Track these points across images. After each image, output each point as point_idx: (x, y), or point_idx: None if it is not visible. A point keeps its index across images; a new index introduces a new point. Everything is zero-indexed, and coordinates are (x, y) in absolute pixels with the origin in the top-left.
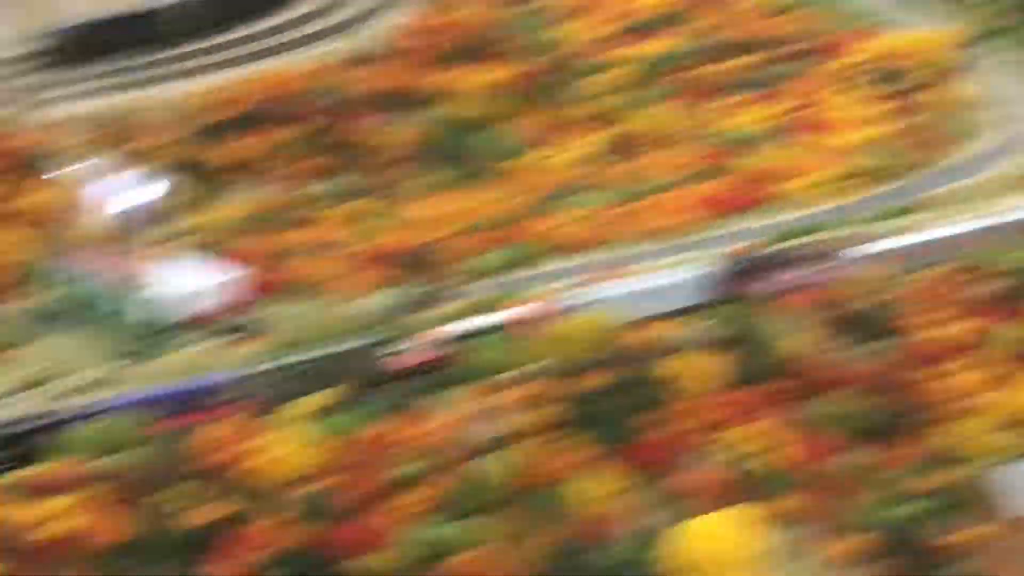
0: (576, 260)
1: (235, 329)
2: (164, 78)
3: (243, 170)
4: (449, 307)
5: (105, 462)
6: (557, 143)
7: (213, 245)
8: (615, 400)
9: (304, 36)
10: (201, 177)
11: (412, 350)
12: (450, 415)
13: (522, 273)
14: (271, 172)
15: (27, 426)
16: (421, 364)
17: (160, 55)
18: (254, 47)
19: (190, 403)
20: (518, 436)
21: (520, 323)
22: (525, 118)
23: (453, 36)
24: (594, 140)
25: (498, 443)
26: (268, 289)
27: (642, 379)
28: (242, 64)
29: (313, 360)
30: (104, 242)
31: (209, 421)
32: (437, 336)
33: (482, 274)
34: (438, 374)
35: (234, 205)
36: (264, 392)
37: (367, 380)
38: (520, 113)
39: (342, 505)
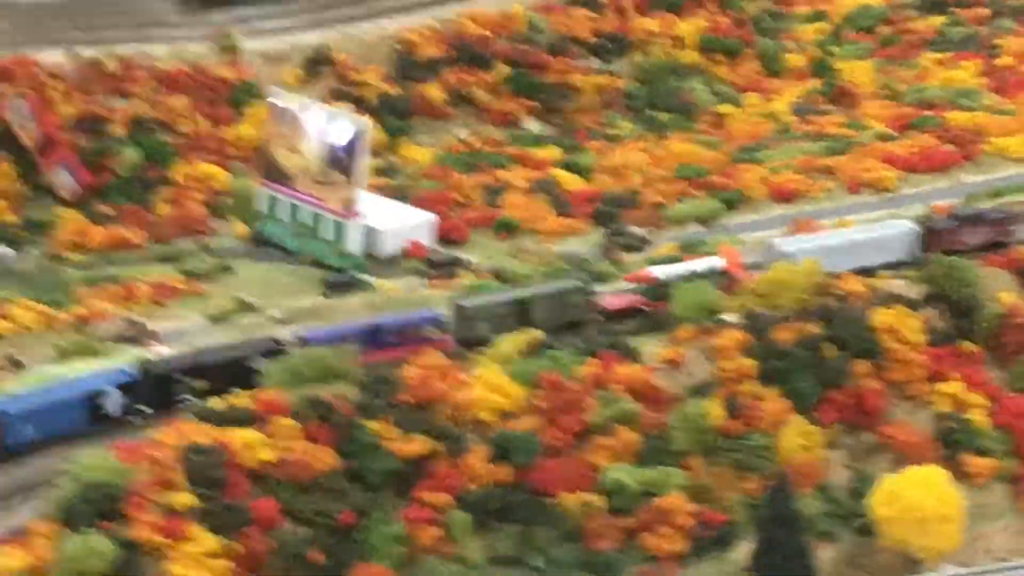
0: (782, 210)
1: (440, 265)
2: (371, 14)
3: (449, 108)
4: (653, 252)
5: (313, 391)
6: (765, 92)
7: (415, 182)
8: (824, 350)
9: None
10: (404, 115)
11: (618, 292)
12: (656, 358)
13: (728, 220)
14: (476, 111)
15: (236, 353)
16: (627, 307)
17: None
18: None
19: (397, 337)
20: (725, 381)
21: (728, 269)
22: (733, 67)
23: None
24: (801, 91)
25: (704, 388)
26: (471, 227)
27: (851, 330)
28: (452, 2)
29: (519, 299)
30: (310, 175)
31: (415, 356)
32: (643, 279)
33: (687, 220)
34: (644, 317)
35: (438, 143)
36: (470, 329)
37: (573, 320)
38: (729, 62)
39: (545, 443)
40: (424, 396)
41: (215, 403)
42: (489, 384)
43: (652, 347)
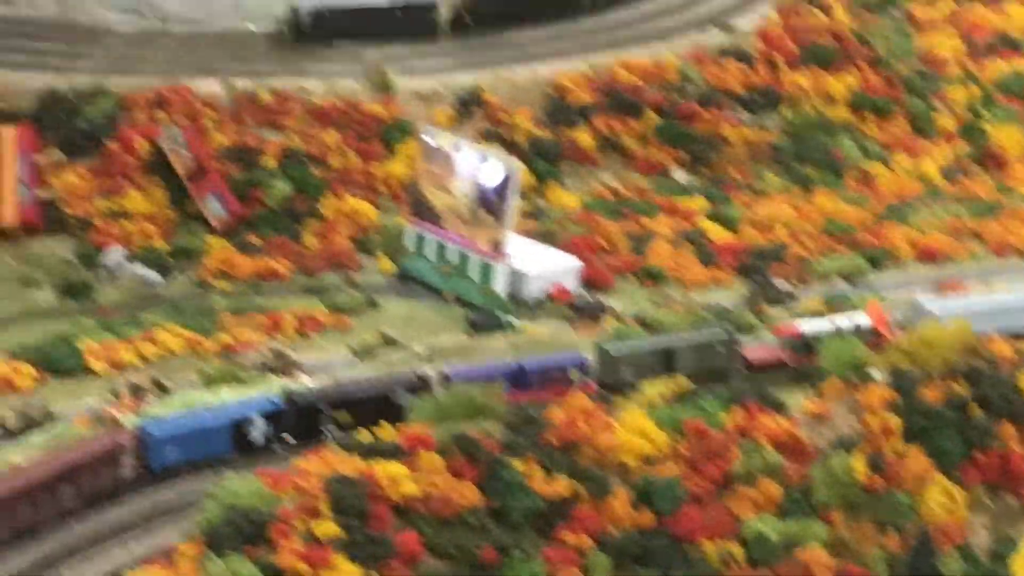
0: (927, 270)
1: (584, 310)
2: (524, 58)
3: (597, 155)
4: (798, 305)
5: (459, 428)
6: (913, 152)
7: (562, 227)
8: (970, 410)
9: (668, 27)
10: (553, 159)
11: (762, 344)
12: (801, 411)
13: (872, 278)
14: (625, 159)
15: (381, 387)
16: (771, 359)
17: (524, 32)
18: (620, 33)
19: (542, 379)
20: (870, 437)
21: (873, 326)
22: (882, 125)
23: (814, 38)
24: (950, 152)
25: (848, 443)
26: (616, 274)
27: (998, 391)
28: (606, 49)
29: (664, 346)
30: (458, 215)
31: (559, 398)
32: (789, 333)
33: (832, 276)
34: (788, 370)
35: (585, 189)
36: (614, 374)
37: (717, 370)
38: (877, 120)
39: (688, 491)
40: (569, 438)
41: (361, 435)
42: (634, 429)
43: (798, 399)
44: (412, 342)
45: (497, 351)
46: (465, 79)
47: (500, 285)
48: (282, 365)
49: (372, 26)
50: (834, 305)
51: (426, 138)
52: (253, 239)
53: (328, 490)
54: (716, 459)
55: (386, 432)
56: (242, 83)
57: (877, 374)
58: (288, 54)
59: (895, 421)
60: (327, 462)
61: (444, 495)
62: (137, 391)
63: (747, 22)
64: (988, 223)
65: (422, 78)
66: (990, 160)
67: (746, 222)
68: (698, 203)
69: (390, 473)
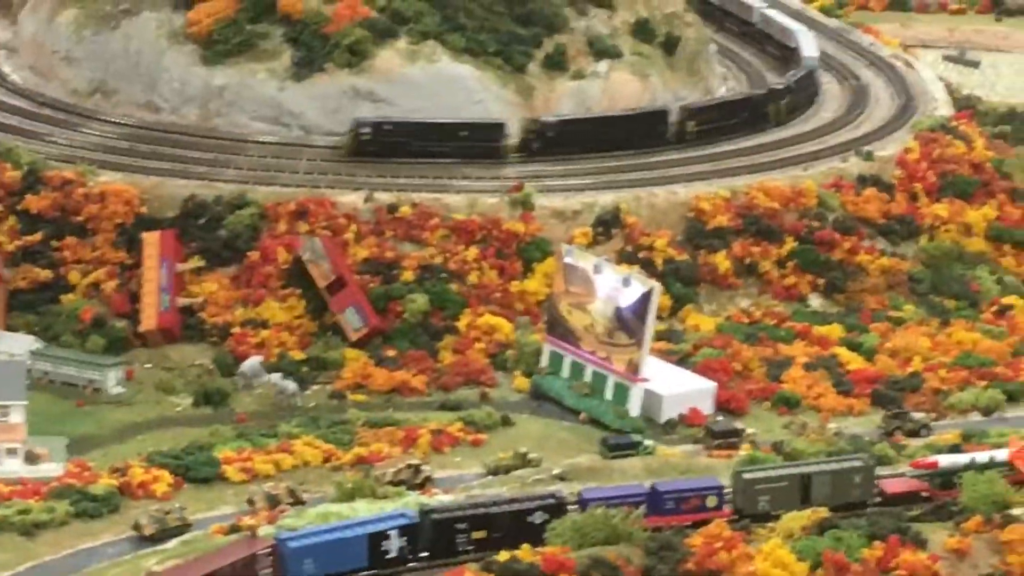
0: None
1: (719, 435)
2: (664, 180)
3: (734, 279)
4: (934, 438)
5: (596, 552)
6: None
7: (697, 350)
8: None
9: (808, 153)
10: (690, 281)
11: (898, 476)
12: (942, 547)
13: (1010, 412)
14: (761, 283)
15: (518, 506)
16: (908, 491)
17: (663, 154)
18: (759, 158)
19: (677, 503)
20: None
21: (1013, 461)
22: (1019, 257)
23: (953, 168)
24: None
25: None
26: (750, 399)
27: None
28: (744, 173)
29: (801, 473)
30: (595, 335)
31: (697, 524)
32: (927, 466)
33: (968, 409)
34: (929, 504)
35: (721, 312)
36: (750, 501)
37: (853, 501)
38: (1015, 253)
39: None
40: (709, 567)
41: (500, 556)
42: (773, 560)
43: (939, 535)
44: (546, 461)
45: (632, 473)
46: (604, 199)
47: (635, 406)
48: (417, 480)
49: (435, 143)
50: (970, 439)
51: (567, 258)
52: (389, 352)
53: None
54: None
55: (525, 553)
56: (383, 196)
57: (1021, 512)
58: (429, 169)
59: None
60: None
61: None
62: (273, 501)
63: (887, 150)
64: None
65: (561, 196)
66: None
67: (882, 351)
68: (834, 330)
69: None
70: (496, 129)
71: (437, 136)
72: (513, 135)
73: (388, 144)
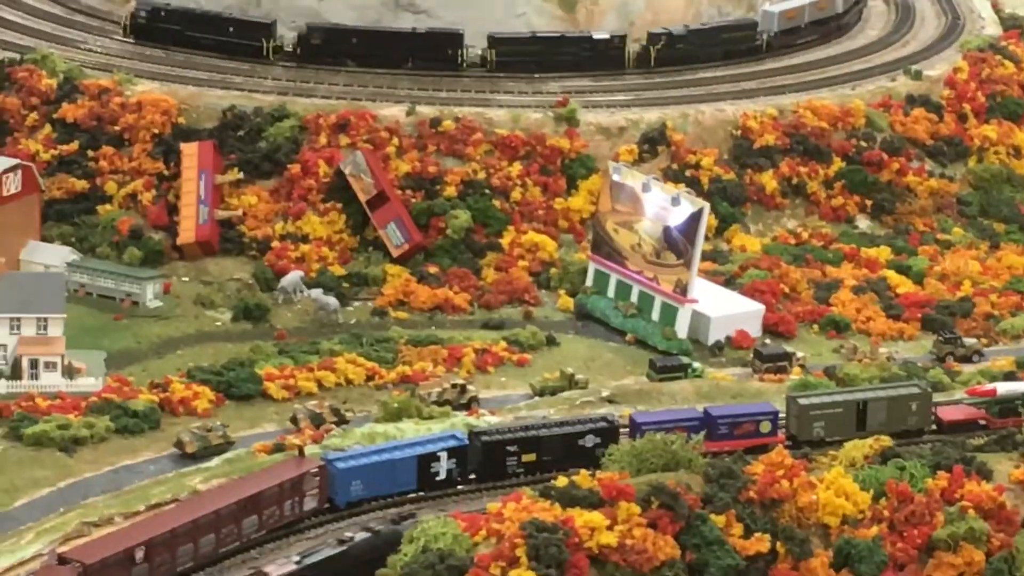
0: None
1: (768, 358)
2: (710, 97)
3: (781, 199)
4: (987, 364)
5: (656, 479)
6: None
7: (744, 271)
8: None
9: (856, 71)
10: (736, 201)
11: (954, 403)
12: (1008, 478)
13: None
14: (808, 204)
15: (569, 429)
16: (966, 419)
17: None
18: (807, 76)
19: (731, 428)
20: None
21: None
22: None
23: (1002, 89)
24: None
25: None
26: (798, 321)
27: None
28: (794, 91)
29: (857, 400)
30: (643, 254)
31: (750, 450)
32: (985, 393)
33: (1021, 334)
34: (990, 432)
35: (768, 233)
36: (805, 428)
37: (910, 428)
38: None
39: (889, 555)
40: (770, 495)
41: (559, 481)
42: (836, 488)
43: (1003, 466)
44: (593, 383)
45: (681, 396)
46: (650, 116)
47: (682, 328)
48: (463, 400)
49: (205, 35)
50: None
51: (614, 176)
52: (432, 269)
53: (526, 537)
54: (919, 524)
55: (583, 479)
56: (426, 110)
57: None
58: (474, 83)
59: None
60: (524, 507)
61: (642, 548)
62: (317, 420)
63: (935, 70)
64: None
65: (607, 113)
66: None
67: (931, 275)
68: (882, 253)
69: (589, 522)
70: (265, 29)
71: (208, 28)
72: (288, 36)
73: (161, 30)
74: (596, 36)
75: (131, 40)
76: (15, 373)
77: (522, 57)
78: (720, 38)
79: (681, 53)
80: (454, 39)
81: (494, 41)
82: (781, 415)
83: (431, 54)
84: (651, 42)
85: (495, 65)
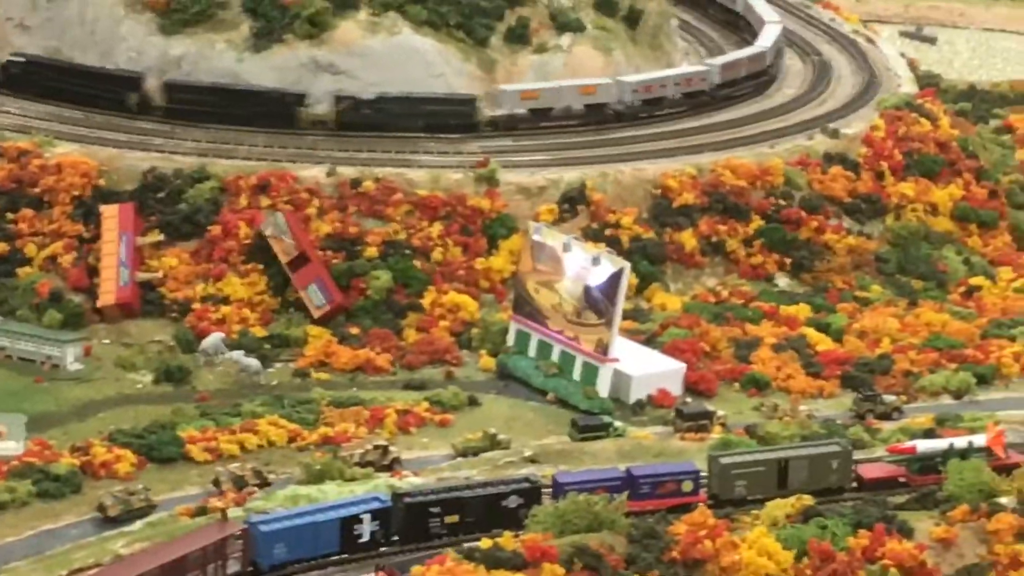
0: None
1: (690, 417)
2: (630, 156)
3: (701, 257)
4: (906, 421)
5: (578, 540)
6: (1017, 266)
7: (664, 330)
8: None
9: (773, 130)
10: (656, 260)
11: (874, 461)
12: (928, 536)
13: (982, 396)
14: (727, 262)
15: (493, 491)
16: (886, 477)
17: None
18: (725, 135)
19: (653, 487)
20: (997, 566)
21: (990, 447)
22: (986, 239)
23: (919, 147)
24: None
25: (976, 571)
26: (719, 380)
27: None
28: (712, 150)
29: (779, 458)
30: (564, 314)
31: (676, 509)
32: (904, 451)
33: (939, 392)
34: (910, 491)
35: (687, 291)
36: (727, 486)
37: (831, 486)
38: (982, 233)
39: None
40: (693, 555)
41: (483, 543)
42: (759, 548)
43: (923, 524)
44: (515, 442)
45: (603, 455)
46: (570, 176)
47: (604, 387)
48: (385, 461)
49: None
50: (944, 423)
51: (535, 236)
52: (353, 330)
53: None
54: None
55: (507, 541)
56: (346, 170)
57: (1007, 501)
58: (392, 143)
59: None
60: (448, 570)
61: None
62: (239, 483)
63: (852, 128)
64: None
65: (526, 172)
66: None
67: (850, 332)
68: (802, 310)
69: None
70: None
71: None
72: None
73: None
74: (264, 90)
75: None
76: None
77: (198, 107)
78: (423, 109)
79: (368, 119)
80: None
81: (170, 88)
82: (703, 474)
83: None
84: (336, 104)
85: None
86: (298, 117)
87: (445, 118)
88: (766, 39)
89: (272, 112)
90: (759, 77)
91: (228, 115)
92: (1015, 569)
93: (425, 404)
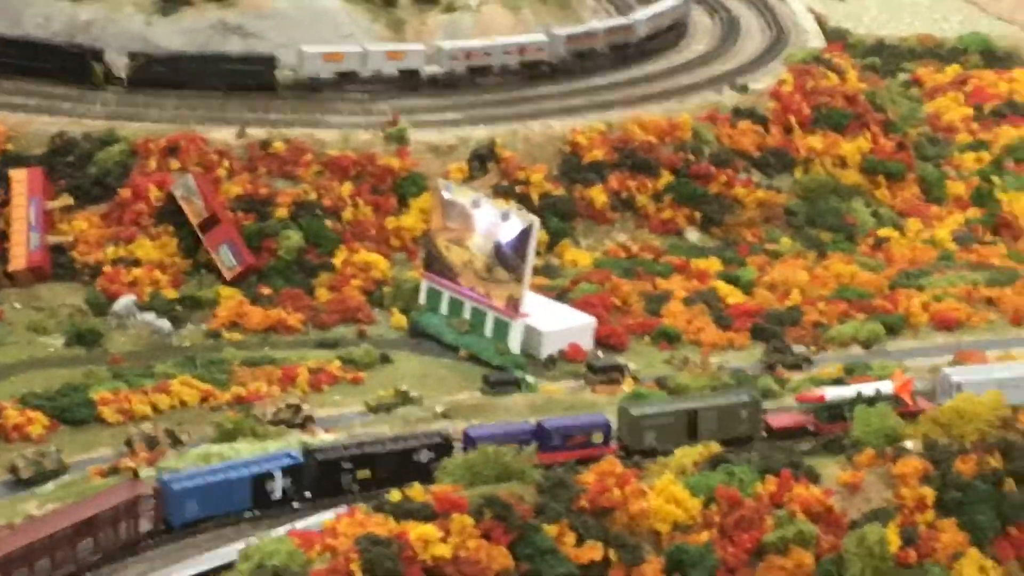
0: (943, 338)
1: (600, 371)
2: (539, 114)
3: (610, 213)
4: (816, 371)
5: (488, 491)
6: (926, 218)
7: (574, 285)
8: (1005, 484)
9: (683, 86)
10: (566, 216)
11: (783, 410)
12: (834, 481)
13: (889, 345)
14: (637, 217)
15: (404, 445)
16: (794, 425)
17: (541, 89)
18: (635, 91)
19: (564, 440)
20: (903, 509)
21: (898, 394)
22: (894, 190)
23: (827, 101)
24: (962, 219)
25: (882, 514)
26: (630, 334)
27: None
28: (622, 106)
29: (688, 409)
30: (474, 271)
31: (587, 461)
32: (813, 399)
33: (848, 341)
34: (815, 438)
35: (598, 247)
36: (637, 437)
37: (740, 436)
38: (889, 184)
39: (720, 559)
40: (602, 504)
41: (391, 496)
42: (666, 495)
43: (831, 469)
44: (427, 399)
45: (515, 410)
46: (479, 133)
47: (515, 342)
48: (298, 419)
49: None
50: (852, 372)
51: (444, 193)
52: (265, 290)
53: (360, 551)
54: (749, 528)
55: (416, 493)
56: (256, 132)
57: (911, 445)
58: (303, 104)
59: (929, 493)
60: (358, 522)
61: (476, 558)
62: (152, 443)
63: (761, 83)
64: (1003, 291)
65: (436, 131)
66: (1002, 227)
67: (760, 285)
68: (712, 264)
69: (422, 535)
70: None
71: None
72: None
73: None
74: (60, 44)
75: None
76: None
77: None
78: (220, 68)
79: (161, 77)
80: None
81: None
82: (613, 426)
83: None
84: (131, 59)
85: None
86: (94, 72)
87: (244, 78)
88: None
89: (68, 67)
90: (679, 28)
91: (26, 68)
92: (920, 512)
93: (337, 362)
